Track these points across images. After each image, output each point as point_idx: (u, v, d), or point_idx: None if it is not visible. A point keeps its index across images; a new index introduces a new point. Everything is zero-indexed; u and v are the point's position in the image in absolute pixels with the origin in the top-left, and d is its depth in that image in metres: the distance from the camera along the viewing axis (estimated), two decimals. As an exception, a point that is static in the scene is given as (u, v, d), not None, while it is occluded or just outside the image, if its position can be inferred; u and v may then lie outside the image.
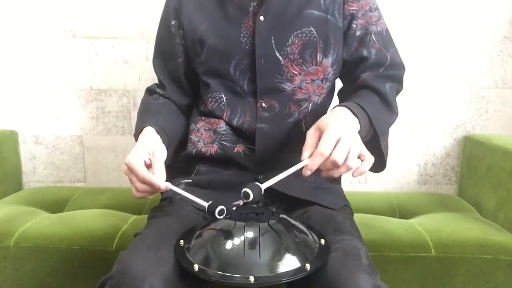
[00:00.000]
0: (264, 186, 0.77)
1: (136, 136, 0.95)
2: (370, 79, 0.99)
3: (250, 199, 0.75)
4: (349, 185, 1.63)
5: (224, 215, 0.78)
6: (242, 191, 0.75)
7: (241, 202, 0.98)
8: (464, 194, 1.56)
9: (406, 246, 1.12)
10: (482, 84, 1.58)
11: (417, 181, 1.66)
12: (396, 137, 1.61)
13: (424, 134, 1.62)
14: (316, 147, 0.79)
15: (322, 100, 1.03)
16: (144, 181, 0.82)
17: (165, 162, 0.87)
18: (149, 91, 1.12)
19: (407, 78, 1.55)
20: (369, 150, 0.82)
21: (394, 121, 1.02)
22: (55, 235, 1.16)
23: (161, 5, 1.08)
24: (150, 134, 0.92)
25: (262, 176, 1.00)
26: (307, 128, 0.99)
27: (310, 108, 1.02)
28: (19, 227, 1.19)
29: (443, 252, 1.11)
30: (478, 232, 1.18)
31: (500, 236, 1.17)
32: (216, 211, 0.77)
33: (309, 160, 0.78)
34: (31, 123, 1.66)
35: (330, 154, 0.77)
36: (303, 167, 0.79)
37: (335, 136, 0.77)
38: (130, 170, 0.82)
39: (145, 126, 0.94)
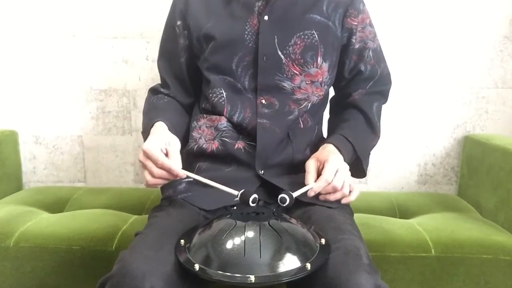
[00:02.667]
0: (295, 194, 0.88)
1: (146, 132, 1.00)
2: (359, 99, 1.10)
3: (287, 203, 0.85)
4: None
5: (255, 201, 0.84)
6: (279, 196, 0.85)
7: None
8: (464, 194, 1.56)
9: (406, 246, 1.12)
10: (482, 84, 1.59)
11: (417, 181, 1.66)
12: (396, 137, 1.61)
13: (424, 134, 1.62)
14: (317, 174, 0.94)
15: (320, 101, 1.07)
16: (162, 167, 0.86)
17: None
18: (153, 90, 1.16)
19: (408, 78, 1.57)
20: (351, 168, 0.99)
21: (376, 143, 1.13)
22: (55, 235, 1.16)
23: (161, 5, 1.09)
24: (162, 127, 0.97)
25: (263, 171, 1.01)
26: (305, 125, 1.06)
27: (309, 107, 1.05)
28: (19, 227, 1.19)
29: (443, 252, 1.11)
30: (478, 232, 1.18)
31: (500, 236, 1.17)
32: (250, 199, 0.83)
33: (314, 184, 0.92)
34: (31, 123, 1.66)
35: (331, 182, 0.92)
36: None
37: (335, 167, 0.93)
38: (148, 156, 0.86)
39: (156, 121, 0.98)
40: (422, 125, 1.61)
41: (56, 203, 1.45)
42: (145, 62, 1.61)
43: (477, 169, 1.46)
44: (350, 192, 0.98)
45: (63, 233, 1.17)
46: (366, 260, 0.77)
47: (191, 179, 1.02)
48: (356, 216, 1.17)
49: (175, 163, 0.87)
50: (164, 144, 0.90)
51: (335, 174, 0.91)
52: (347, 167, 0.96)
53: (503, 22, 1.55)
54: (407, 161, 1.64)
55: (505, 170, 1.28)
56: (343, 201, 0.97)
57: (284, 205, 0.84)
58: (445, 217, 1.31)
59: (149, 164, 0.86)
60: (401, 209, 1.43)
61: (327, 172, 0.91)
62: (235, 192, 0.85)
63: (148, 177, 0.87)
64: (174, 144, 0.91)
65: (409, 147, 1.63)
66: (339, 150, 0.99)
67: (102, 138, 1.67)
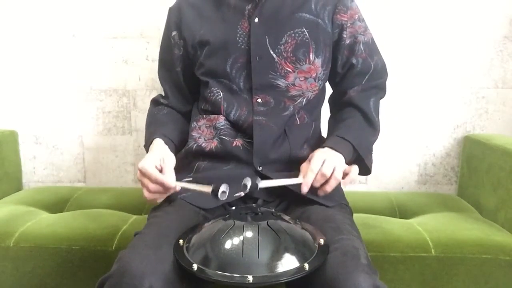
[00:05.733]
0: (261, 184, 0.87)
1: (147, 147, 1.05)
2: (355, 97, 1.10)
3: (247, 190, 0.84)
4: (349, 185, 1.62)
5: (226, 196, 0.84)
6: (242, 183, 0.84)
7: (242, 194, 0.99)
8: (464, 194, 1.56)
9: (406, 246, 1.12)
10: (482, 84, 1.58)
11: (417, 181, 1.65)
12: (396, 137, 1.61)
13: (424, 134, 1.62)
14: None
15: (315, 96, 1.08)
16: (156, 182, 0.90)
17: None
18: (155, 102, 1.19)
19: (408, 78, 1.57)
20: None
21: (377, 138, 1.12)
22: (55, 235, 1.16)
23: (161, 6, 1.09)
24: (159, 145, 1.02)
25: (261, 168, 1.02)
26: (301, 122, 1.08)
27: (304, 102, 1.06)
28: (19, 227, 1.19)
29: (443, 252, 1.11)
30: (478, 232, 1.18)
31: (500, 236, 1.17)
32: (219, 192, 0.83)
33: (302, 179, 0.93)
34: (31, 123, 1.67)
35: (319, 170, 0.92)
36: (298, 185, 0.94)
37: (321, 158, 0.94)
38: (143, 174, 0.91)
39: (154, 138, 1.03)
40: (422, 125, 1.61)
41: (56, 203, 1.46)
42: (145, 62, 1.61)
43: (477, 169, 1.46)
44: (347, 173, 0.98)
45: (63, 233, 1.17)
46: (364, 260, 0.77)
47: (190, 179, 1.03)
48: (356, 216, 1.17)
49: (168, 177, 0.91)
50: (159, 161, 0.94)
51: (322, 164, 0.93)
52: (338, 156, 0.96)
53: (503, 22, 1.54)
54: (407, 161, 1.64)
55: (505, 170, 1.28)
56: (346, 182, 0.98)
57: (244, 192, 0.85)
58: (445, 217, 1.31)
59: (145, 180, 0.91)
60: (401, 209, 1.43)
61: (313, 163, 0.93)
62: (208, 189, 0.86)
63: (146, 193, 0.92)
64: (168, 160, 0.95)
65: (409, 147, 1.63)
66: (336, 151, 0.98)
67: (102, 138, 1.67)
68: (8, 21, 1.60)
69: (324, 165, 0.92)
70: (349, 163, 1.00)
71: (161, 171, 0.92)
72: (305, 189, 0.92)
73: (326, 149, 0.99)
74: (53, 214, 1.35)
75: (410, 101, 1.59)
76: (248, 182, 0.84)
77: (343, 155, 0.98)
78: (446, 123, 1.61)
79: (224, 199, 0.84)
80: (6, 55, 1.62)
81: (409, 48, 1.57)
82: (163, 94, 1.18)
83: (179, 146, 1.09)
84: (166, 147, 1.01)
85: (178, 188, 0.92)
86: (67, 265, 1.14)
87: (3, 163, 1.56)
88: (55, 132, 1.67)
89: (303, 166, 0.97)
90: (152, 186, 0.90)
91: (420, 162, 1.64)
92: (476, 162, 1.47)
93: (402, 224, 1.23)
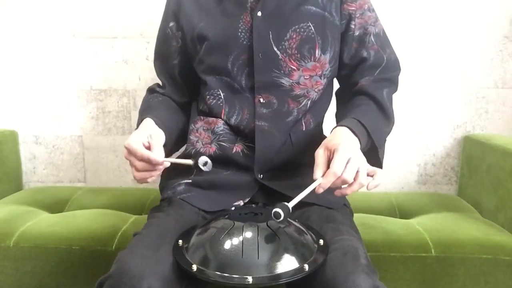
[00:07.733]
0: (291, 204, 0.77)
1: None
2: (368, 86, 1.02)
3: (281, 218, 0.74)
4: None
5: (210, 167, 0.84)
6: (273, 211, 0.74)
7: (241, 203, 0.99)
8: (464, 194, 1.56)
9: (406, 246, 1.12)
10: (482, 84, 1.58)
11: (417, 181, 1.65)
12: (396, 137, 1.61)
13: (424, 134, 1.62)
14: (326, 166, 0.83)
15: (320, 97, 1.04)
16: (142, 159, 0.84)
17: (166, 150, 0.91)
18: (150, 90, 1.16)
19: (408, 78, 1.57)
20: (367, 158, 0.85)
21: (391, 129, 1.05)
22: (55, 235, 1.16)
23: (161, 5, 1.09)
24: (148, 123, 0.95)
25: (262, 175, 1.00)
26: (307, 127, 1.03)
27: (308, 105, 1.02)
28: (19, 227, 1.19)
29: (443, 252, 1.11)
30: (478, 232, 1.18)
31: (500, 236, 1.17)
32: (200, 162, 0.83)
33: (322, 179, 0.81)
34: (31, 123, 1.67)
35: (341, 175, 0.80)
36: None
37: (346, 157, 0.81)
38: (129, 152, 0.85)
39: (145, 118, 0.96)
40: (422, 125, 1.61)
41: (56, 203, 1.45)
42: (145, 62, 1.61)
43: (477, 169, 1.46)
44: (372, 176, 0.86)
45: (63, 233, 1.17)
46: (364, 260, 0.77)
47: (190, 181, 1.02)
48: (356, 216, 1.17)
49: (155, 153, 0.84)
50: (146, 137, 0.88)
51: (345, 165, 0.80)
52: (360, 153, 0.85)
53: (503, 22, 1.54)
54: (407, 161, 1.64)
55: (505, 170, 1.27)
56: (369, 187, 0.84)
57: (279, 220, 0.74)
58: (445, 217, 1.31)
59: (132, 158, 0.85)
60: (401, 209, 1.43)
61: (336, 164, 0.79)
62: (190, 162, 0.85)
63: (135, 173, 0.86)
64: (156, 136, 0.89)
65: (409, 147, 1.62)
66: (354, 133, 0.89)
67: (102, 138, 1.67)
68: (8, 21, 1.60)
69: (348, 168, 0.80)
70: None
71: (149, 148, 0.86)
72: (321, 191, 0.81)
73: (346, 131, 0.88)
74: (53, 214, 1.35)
75: (410, 101, 1.59)
76: (280, 210, 0.74)
77: (359, 140, 0.88)
78: (446, 123, 1.61)
79: (208, 170, 0.83)
80: (6, 55, 1.62)
81: (409, 48, 1.56)
82: (160, 84, 1.15)
83: (171, 131, 1.01)
84: (156, 126, 0.94)
85: (167, 164, 0.85)
86: (67, 265, 1.14)
87: (3, 163, 1.56)
88: (55, 132, 1.67)
89: (320, 154, 0.84)
90: (139, 164, 0.84)
91: (420, 162, 1.64)
92: (476, 162, 1.47)
93: (402, 224, 1.23)
